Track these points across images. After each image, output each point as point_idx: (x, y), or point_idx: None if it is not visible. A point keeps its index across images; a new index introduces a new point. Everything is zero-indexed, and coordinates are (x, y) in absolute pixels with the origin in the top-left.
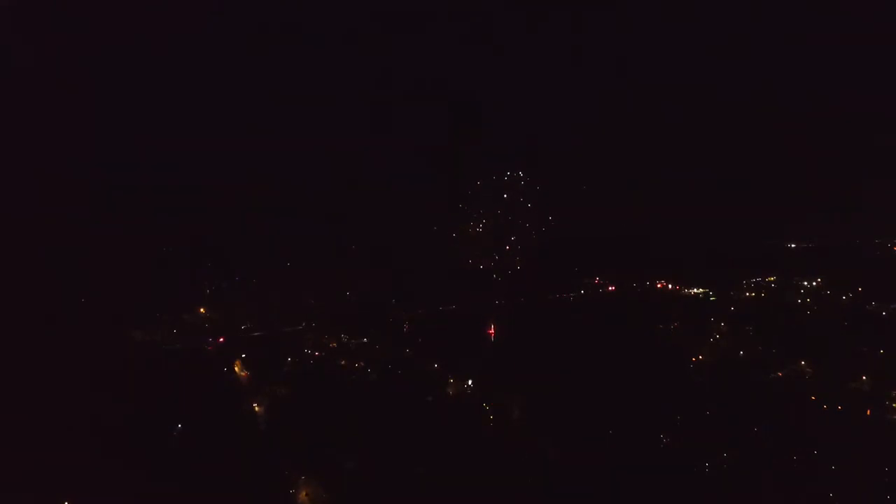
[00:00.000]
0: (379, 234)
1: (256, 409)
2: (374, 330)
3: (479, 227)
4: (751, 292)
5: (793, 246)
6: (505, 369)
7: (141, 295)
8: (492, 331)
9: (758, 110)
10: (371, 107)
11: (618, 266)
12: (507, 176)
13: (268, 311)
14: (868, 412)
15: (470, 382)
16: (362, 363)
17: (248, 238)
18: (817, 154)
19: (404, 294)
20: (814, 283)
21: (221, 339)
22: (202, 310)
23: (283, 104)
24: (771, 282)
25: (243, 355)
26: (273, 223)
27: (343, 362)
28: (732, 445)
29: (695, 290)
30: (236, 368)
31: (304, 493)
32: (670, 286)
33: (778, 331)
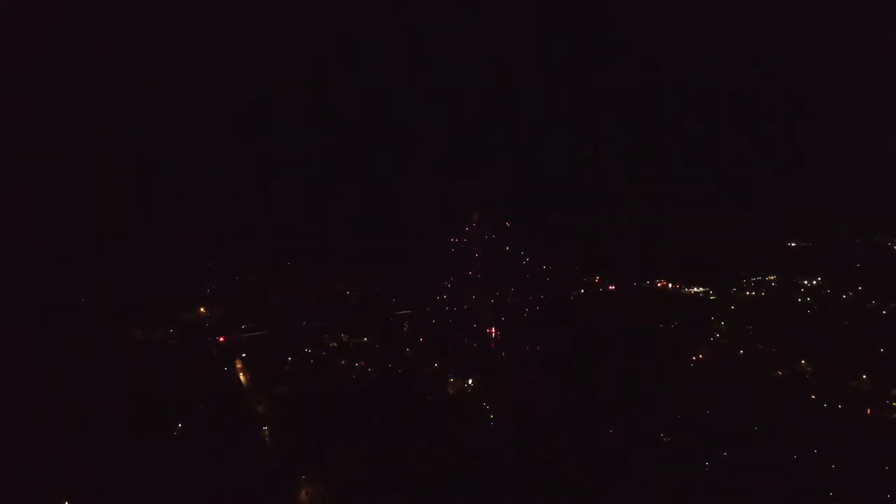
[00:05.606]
0: (379, 233)
1: (256, 409)
2: (374, 330)
3: (479, 227)
4: (751, 292)
5: (793, 245)
6: (505, 369)
7: (141, 295)
8: (492, 331)
9: (758, 110)
10: (371, 107)
11: (618, 266)
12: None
13: (268, 310)
14: (868, 412)
15: (470, 382)
16: (362, 363)
17: (248, 238)
18: (817, 154)
19: (404, 294)
20: (814, 283)
21: (221, 339)
22: (202, 310)
23: (283, 104)
24: (771, 281)
25: (243, 355)
26: (273, 222)
27: (343, 362)
28: (732, 445)
29: (695, 290)
30: (236, 368)
31: (304, 493)
32: (670, 286)
33: (778, 330)
